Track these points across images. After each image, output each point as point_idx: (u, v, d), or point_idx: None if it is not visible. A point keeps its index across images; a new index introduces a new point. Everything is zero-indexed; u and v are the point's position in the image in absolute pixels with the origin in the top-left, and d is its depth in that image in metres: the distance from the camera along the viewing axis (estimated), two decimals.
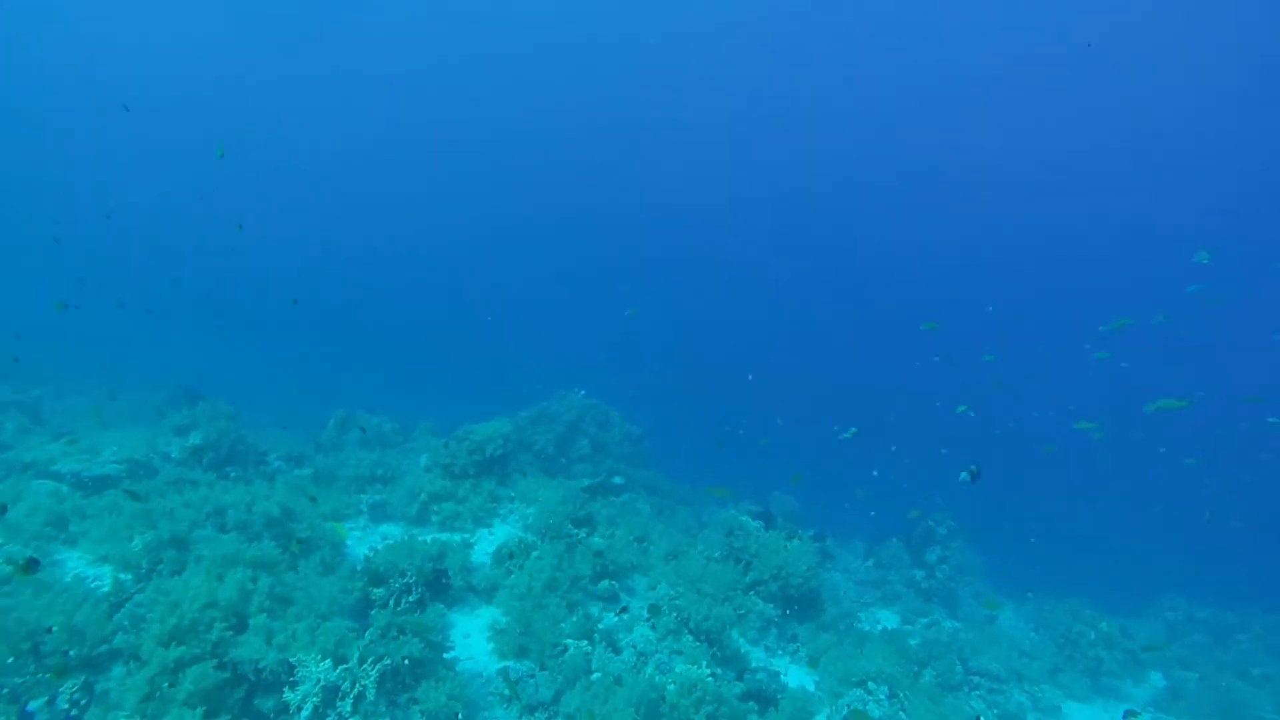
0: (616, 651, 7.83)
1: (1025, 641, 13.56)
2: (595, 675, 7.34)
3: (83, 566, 7.31)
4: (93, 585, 6.75)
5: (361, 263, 63.84)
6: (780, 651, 9.76)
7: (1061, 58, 45.62)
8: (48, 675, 5.28)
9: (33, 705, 5.27)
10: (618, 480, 13.16)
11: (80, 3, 48.04)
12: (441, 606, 7.80)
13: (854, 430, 14.58)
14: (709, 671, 7.42)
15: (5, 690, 5.26)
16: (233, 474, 11.08)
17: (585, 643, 7.71)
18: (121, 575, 6.99)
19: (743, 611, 9.64)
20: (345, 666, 5.81)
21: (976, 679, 10.97)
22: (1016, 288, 58.78)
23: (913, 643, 10.98)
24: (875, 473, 13.35)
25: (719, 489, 15.81)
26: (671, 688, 6.86)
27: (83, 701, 5.35)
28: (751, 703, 7.88)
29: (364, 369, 38.02)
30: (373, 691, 5.77)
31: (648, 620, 8.35)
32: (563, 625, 7.85)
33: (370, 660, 5.94)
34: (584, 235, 72.17)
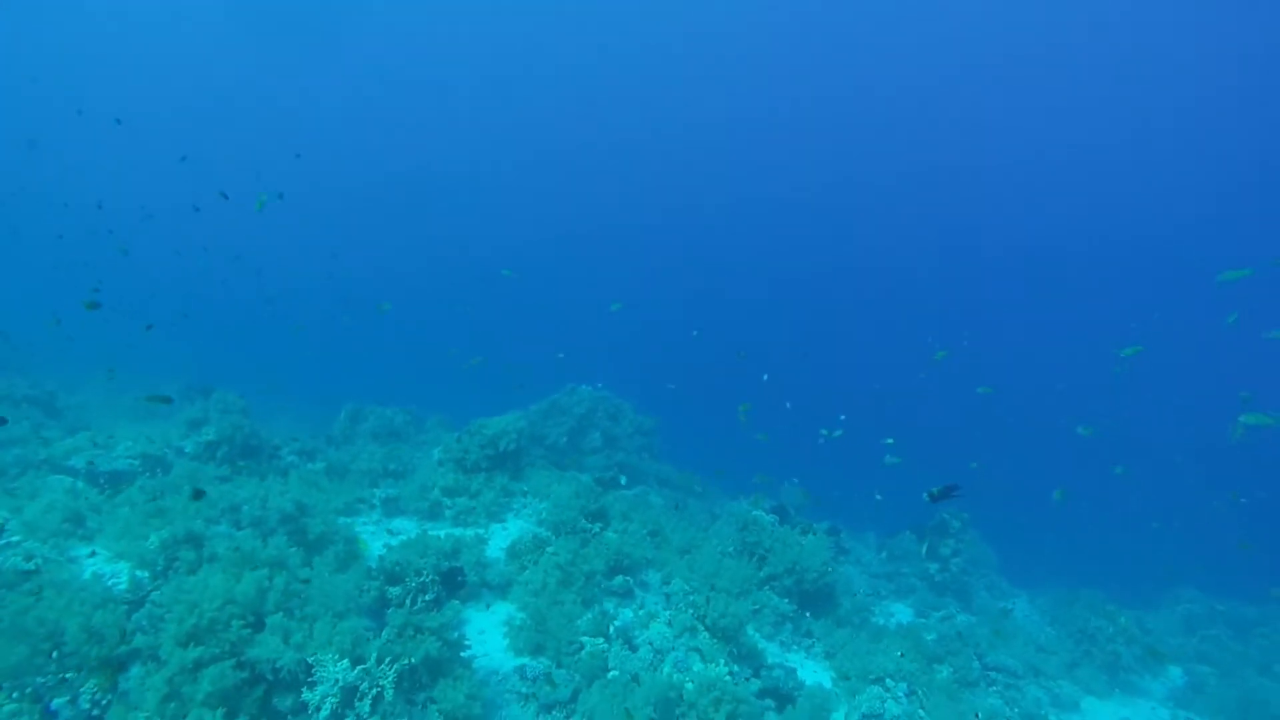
0: (633, 649, 7.78)
1: (1041, 635, 13.42)
2: (612, 673, 7.30)
3: (100, 563, 7.33)
4: (110, 583, 6.75)
5: (363, 262, 63.77)
6: (795, 647, 9.69)
7: (1076, 54, 44.93)
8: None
9: (56, 703, 5.28)
10: (623, 480, 13.10)
11: (90, 17, 47.94)
12: (456, 603, 7.77)
13: (840, 432, 14.44)
14: (727, 670, 7.36)
15: (28, 689, 5.26)
16: (246, 468, 11.09)
17: (601, 640, 7.66)
18: (138, 572, 6.98)
19: (758, 607, 9.58)
20: (363, 667, 5.78)
21: (994, 674, 10.88)
22: (1024, 283, 58.32)
23: (929, 638, 10.89)
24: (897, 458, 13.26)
25: (691, 474, 15.75)
26: (689, 686, 6.81)
27: (104, 701, 5.35)
28: (769, 700, 7.83)
29: (369, 368, 38.12)
30: (390, 691, 5.74)
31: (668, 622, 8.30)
32: (578, 622, 7.81)
33: (388, 660, 5.91)
34: (589, 232, 72.02)
